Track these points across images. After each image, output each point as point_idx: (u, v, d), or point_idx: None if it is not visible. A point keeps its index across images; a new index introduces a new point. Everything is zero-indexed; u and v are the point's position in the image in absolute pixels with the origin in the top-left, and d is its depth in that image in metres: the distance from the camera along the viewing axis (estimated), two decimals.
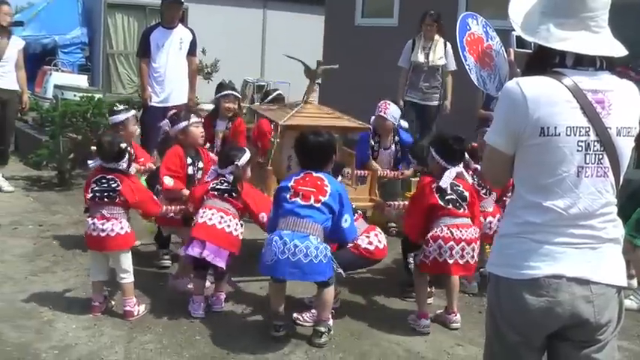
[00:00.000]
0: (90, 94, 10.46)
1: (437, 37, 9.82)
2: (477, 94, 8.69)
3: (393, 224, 7.90)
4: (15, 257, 6.65)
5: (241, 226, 5.54)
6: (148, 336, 5.14)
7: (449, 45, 9.74)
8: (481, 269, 6.11)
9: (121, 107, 6.79)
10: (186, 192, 5.85)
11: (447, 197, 5.44)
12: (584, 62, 2.82)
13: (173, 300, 5.80)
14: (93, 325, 5.26)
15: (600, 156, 2.77)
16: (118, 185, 5.33)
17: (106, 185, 5.34)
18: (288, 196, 5.04)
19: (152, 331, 5.23)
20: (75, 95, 11.55)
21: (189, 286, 5.89)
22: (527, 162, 2.83)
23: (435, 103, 9.76)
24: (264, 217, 5.54)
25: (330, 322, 5.25)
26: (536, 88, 2.78)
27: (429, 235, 5.43)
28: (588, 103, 2.75)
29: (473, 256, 5.38)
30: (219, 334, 5.21)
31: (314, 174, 5.13)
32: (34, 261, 6.58)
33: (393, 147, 7.92)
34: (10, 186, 9.22)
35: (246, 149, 5.86)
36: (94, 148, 5.79)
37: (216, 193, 5.48)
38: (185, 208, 5.77)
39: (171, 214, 5.89)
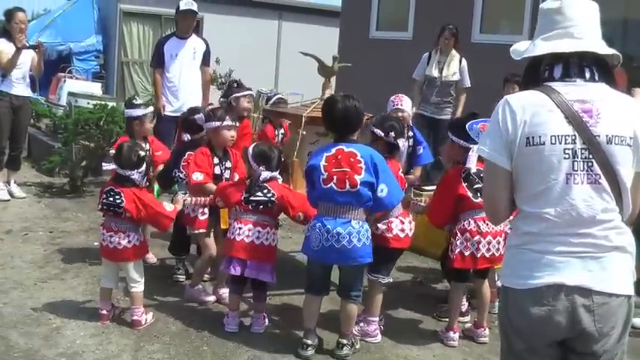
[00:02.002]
0: (103, 102, 10.50)
1: (453, 52, 9.80)
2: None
3: None
4: (25, 263, 6.66)
5: (276, 232, 5.49)
6: (155, 345, 5.13)
7: (464, 61, 9.73)
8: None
9: (140, 102, 6.80)
10: (213, 187, 5.70)
11: (475, 186, 5.32)
12: (572, 74, 2.93)
13: (181, 309, 5.80)
14: (101, 333, 5.26)
15: (590, 163, 2.82)
16: (122, 202, 5.28)
17: (111, 199, 5.31)
18: (321, 179, 4.89)
19: (160, 340, 5.22)
20: (88, 103, 11.60)
21: (207, 298, 5.91)
22: (521, 173, 2.91)
23: (447, 117, 9.70)
24: (300, 216, 5.46)
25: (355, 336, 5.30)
26: (521, 101, 2.92)
27: (456, 227, 5.40)
28: (573, 112, 2.84)
29: (498, 249, 5.32)
30: (226, 346, 5.19)
31: (345, 149, 4.91)
32: (43, 267, 6.59)
33: (406, 142, 7.71)
34: (22, 192, 9.26)
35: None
36: (112, 151, 5.78)
37: (250, 206, 5.34)
38: (212, 200, 5.63)
39: (199, 214, 5.85)
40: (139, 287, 5.46)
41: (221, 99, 7.35)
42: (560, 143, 2.82)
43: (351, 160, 4.88)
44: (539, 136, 2.84)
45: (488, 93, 9.21)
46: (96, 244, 6.84)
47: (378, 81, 11.54)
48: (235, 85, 7.45)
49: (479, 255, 5.30)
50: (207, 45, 9.31)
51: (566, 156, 2.82)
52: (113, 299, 5.60)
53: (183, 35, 9.13)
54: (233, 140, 6.01)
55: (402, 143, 5.60)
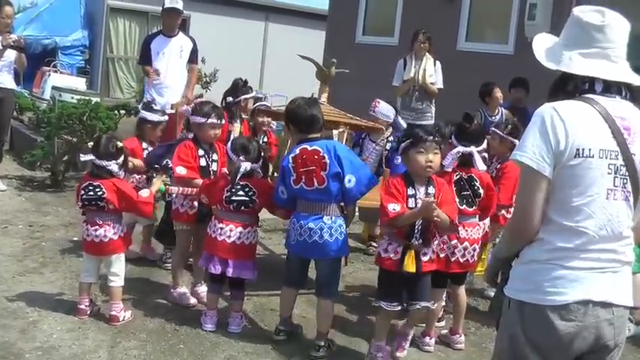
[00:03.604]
0: (87, 98, 10.47)
1: (427, 55, 9.85)
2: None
3: (374, 243, 7.87)
4: (3, 256, 6.64)
5: (257, 230, 5.56)
6: (132, 342, 5.13)
7: (438, 63, 9.81)
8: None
9: (158, 108, 6.80)
10: (199, 181, 5.68)
11: (462, 193, 5.34)
12: (612, 90, 2.96)
13: (159, 307, 5.80)
14: (77, 328, 5.26)
15: (625, 180, 2.88)
16: (103, 193, 5.29)
17: (92, 193, 5.31)
18: (291, 180, 5.08)
19: (136, 337, 5.22)
20: (72, 97, 11.58)
21: (189, 301, 5.90)
22: (562, 185, 2.88)
23: (429, 122, 9.69)
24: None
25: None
26: (571, 111, 2.89)
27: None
28: (617, 129, 2.87)
29: (473, 256, 5.37)
30: (203, 344, 5.20)
31: (309, 147, 5.07)
32: (22, 261, 6.57)
33: (383, 144, 7.68)
34: (2, 185, 9.21)
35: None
36: (90, 143, 5.77)
37: (231, 206, 5.34)
38: (197, 194, 5.63)
39: (186, 209, 5.83)
40: (118, 282, 5.46)
41: (228, 98, 7.32)
42: (607, 158, 2.85)
43: (315, 157, 5.04)
44: (590, 149, 2.84)
45: (473, 99, 9.32)
46: (76, 238, 6.85)
47: (363, 85, 11.57)
48: (242, 83, 7.43)
49: (453, 259, 5.32)
50: (195, 43, 9.33)
51: (610, 171, 2.86)
52: (91, 295, 5.59)
53: (169, 33, 9.16)
54: (215, 138, 5.98)
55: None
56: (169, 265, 6.56)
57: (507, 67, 10.16)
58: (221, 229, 5.32)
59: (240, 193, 5.33)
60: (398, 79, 10.02)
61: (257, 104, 7.74)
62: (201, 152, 5.85)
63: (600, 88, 2.95)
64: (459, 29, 11.91)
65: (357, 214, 6.56)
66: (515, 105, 9.43)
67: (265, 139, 7.48)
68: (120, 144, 5.43)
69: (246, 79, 7.45)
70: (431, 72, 9.79)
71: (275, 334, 5.40)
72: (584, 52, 2.97)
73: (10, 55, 9.09)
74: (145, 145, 6.77)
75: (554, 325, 2.85)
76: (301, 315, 5.79)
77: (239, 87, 7.34)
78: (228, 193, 5.32)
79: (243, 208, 5.34)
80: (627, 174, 2.88)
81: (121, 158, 5.43)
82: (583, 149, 2.83)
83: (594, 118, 2.87)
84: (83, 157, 5.49)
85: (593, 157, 2.83)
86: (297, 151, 5.10)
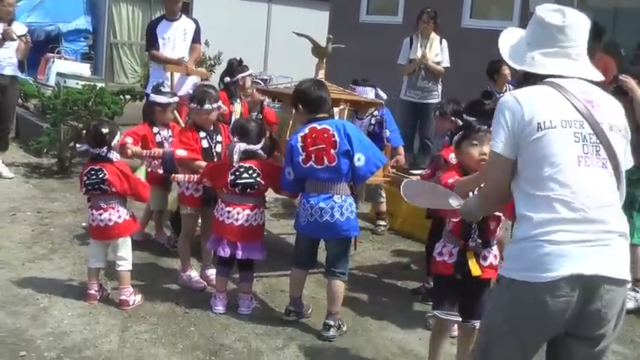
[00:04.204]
0: (92, 83, 10.46)
1: (433, 34, 9.83)
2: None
3: (383, 222, 7.90)
4: (12, 243, 6.66)
5: (264, 211, 5.54)
6: (142, 326, 5.15)
7: (444, 42, 9.83)
8: None
9: (167, 90, 6.77)
10: (202, 163, 5.70)
11: None
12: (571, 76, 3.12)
13: (169, 290, 5.82)
14: (88, 313, 5.28)
15: (597, 148, 2.96)
16: (104, 175, 5.33)
17: (94, 177, 5.35)
18: (300, 160, 5.07)
19: (147, 321, 5.24)
20: (77, 83, 11.58)
21: (198, 285, 5.90)
22: (530, 160, 3.00)
23: (435, 100, 9.66)
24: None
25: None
26: (528, 92, 3.08)
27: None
28: (578, 101, 3.00)
29: None
30: (213, 327, 5.22)
31: (318, 126, 5.08)
32: (31, 248, 6.59)
33: (369, 120, 7.61)
34: (9, 172, 9.23)
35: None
36: (84, 132, 5.78)
37: (237, 189, 5.33)
38: (199, 178, 5.62)
39: (191, 192, 5.84)
40: (127, 265, 5.49)
41: (226, 78, 7.29)
42: (570, 127, 2.96)
43: (325, 135, 5.05)
44: (551, 121, 2.96)
45: (477, 77, 9.29)
46: (84, 224, 6.86)
47: (367, 65, 11.54)
48: (237, 63, 7.40)
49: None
50: (197, 24, 9.30)
51: (576, 139, 2.94)
52: (100, 280, 5.60)
53: (171, 17, 9.12)
54: (211, 123, 5.95)
55: None
56: (177, 248, 6.58)
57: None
58: (228, 212, 5.33)
59: (245, 175, 5.32)
60: (403, 58, 10.00)
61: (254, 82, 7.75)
62: (202, 134, 5.85)
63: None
64: (462, 6, 11.82)
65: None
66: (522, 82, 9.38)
67: (259, 115, 7.46)
68: (105, 130, 5.38)
69: (240, 59, 7.42)
70: (437, 51, 9.77)
71: (285, 314, 5.43)
72: (546, 52, 3.14)
73: (13, 42, 9.08)
74: (155, 129, 6.73)
75: (545, 301, 2.89)
76: (311, 295, 5.80)
77: (234, 66, 7.33)
78: (233, 177, 5.31)
79: (249, 190, 5.33)
80: (598, 142, 2.96)
81: (114, 142, 5.42)
82: (544, 122, 2.96)
83: (553, 96, 3.02)
84: (80, 147, 5.52)
85: (555, 127, 2.95)
86: (306, 130, 5.10)
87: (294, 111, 5.55)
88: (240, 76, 7.29)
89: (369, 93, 7.52)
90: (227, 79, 7.25)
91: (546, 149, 2.94)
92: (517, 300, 3.00)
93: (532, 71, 3.17)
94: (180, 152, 5.72)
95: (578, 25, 3.14)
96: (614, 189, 2.99)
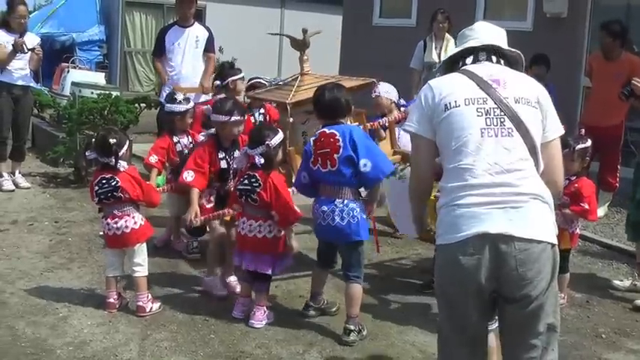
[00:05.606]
0: (107, 92, 10.49)
1: (447, 35, 9.78)
2: None
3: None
4: (31, 253, 6.67)
5: (273, 224, 5.34)
6: (162, 334, 5.14)
7: None
8: None
9: (181, 98, 6.78)
10: (195, 195, 5.56)
11: None
12: (480, 59, 3.56)
13: (188, 298, 5.81)
14: (108, 322, 5.27)
15: (502, 119, 3.30)
16: (117, 182, 5.32)
17: (106, 186, 5.34)
18: (311, 162, 5.18)
19: (167, 328, 5.23)
20: (92, 93, 11.63)
21: (221, 292, 5.84)
22: (442, 137, 3.40)
23: None
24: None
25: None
26: (440, 80, 3.54)
27: None
28: (483, 81, 3.38)
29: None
30: (233, 334, 5.20)
31: (327, 131, 5.14)
32: (49, 257, 6.59)
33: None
34: (26, 182, 9.25)
35: (279, 130, 5.55)
36: (93, 140, 5.77)
37: (242, 199, 5.31)
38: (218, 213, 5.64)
39: (204, 202, 5.80)
40: (143, 272, 5.48)
41: (216, 82, 7.27)
42: (473, 104, 3.33)
43: (331, 140, 5.11)
44: (455, 101, 3.35)
45: None
46: (101, 233, 6.85)
47: (381, 68, 11.52)
48: (228, 66, 7.38)
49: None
50: (210, 32, 9.29)
51: (479, 114, 3.30)
52: (119, 288, 5.60)
53: (183, 24, 9.12)
54: (238, 134, 5.89)
55: None
56: (193, 255, 6.59)
57: (526, 43, 9.96)
58: (242, 222, 5.39)
59: (245, 182, 5.32)
60: (416, 62, 9.96)
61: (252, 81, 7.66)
62: (221, 155, 5.80)
63: (470, 61, 3.56)
64: (476, 7, 11.80)
65: None
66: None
67: (262, 113, 7.38)
68: (112, 140, 5.34)
69: (232, 62, 7.40)
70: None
71: (303, 308, 5.53)
72: (458, 45, 3.71)
73: (25, 54, 9.07)
74: (175, 138, 6.68)
75: (459, 260, 3.19)
76: (330, 300, 5.76)
77: (225, 69, 7.31)
78: (239, 184, 5.38)
79: (249, 200, 5.29)
80: (502, 114, 3.29)
81: (122, 151, 5.39)
82: (450, 102, 3.36)
83: (460, 79, 3.44)
84: (89, 155, 5.50)
85: (459, 106, 3.34)
86: (318, 134, 5.19)
87: (288, 119, 5.83)
88: (230, 79, 7.26)
89: (392, 91, 7.48)
90: (217, 82, 7.24)
91: (452, 125, 3.33)
92: (440, 262, 3.39)
93: (448, 56, 3.78)
94: (186, 175, 5.64)
95: (483, 26, 3.73)
96: (526, 154, 3.28)
